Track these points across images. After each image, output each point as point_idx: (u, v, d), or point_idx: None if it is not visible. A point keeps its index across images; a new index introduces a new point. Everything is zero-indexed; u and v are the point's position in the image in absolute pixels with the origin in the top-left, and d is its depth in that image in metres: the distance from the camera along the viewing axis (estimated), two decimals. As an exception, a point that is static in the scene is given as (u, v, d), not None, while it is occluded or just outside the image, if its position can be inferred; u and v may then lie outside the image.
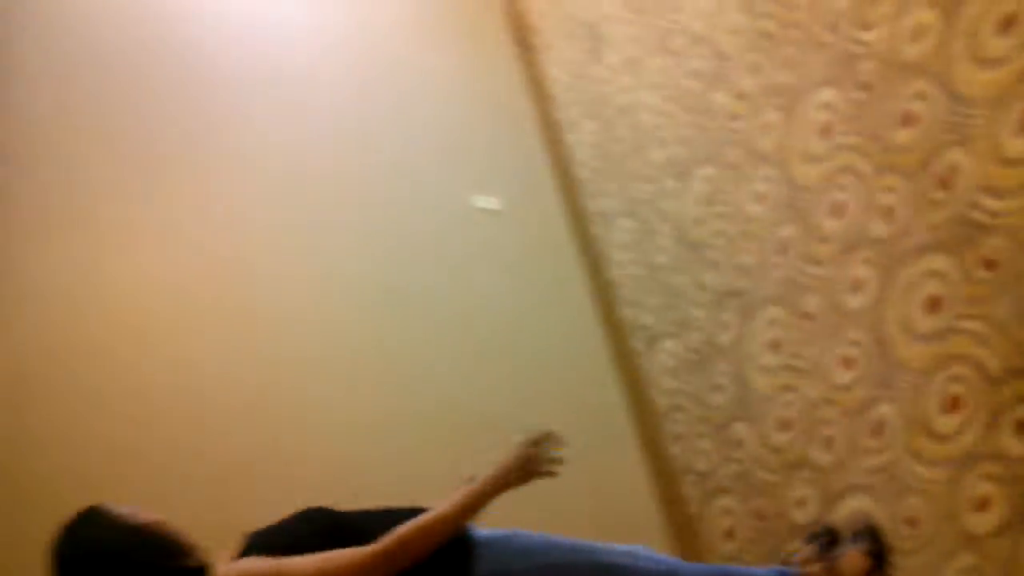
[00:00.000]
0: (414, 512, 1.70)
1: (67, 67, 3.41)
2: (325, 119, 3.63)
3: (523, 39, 4.36)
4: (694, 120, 2.84)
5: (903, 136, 2.11)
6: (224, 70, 3.61)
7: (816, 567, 2.10)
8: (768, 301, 2.49)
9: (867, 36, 2.16)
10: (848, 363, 2.24)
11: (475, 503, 1.68)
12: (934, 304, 2.05)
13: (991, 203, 1.90)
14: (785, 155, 2.43)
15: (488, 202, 3.51)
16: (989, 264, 1.91)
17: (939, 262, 2.02)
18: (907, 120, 2.09)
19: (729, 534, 2.58)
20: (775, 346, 2.45)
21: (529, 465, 1.71)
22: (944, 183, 2.01)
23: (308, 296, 2.98)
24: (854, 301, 2.24)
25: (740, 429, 2.54)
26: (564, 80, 3.84)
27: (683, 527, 2.71)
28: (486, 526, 1.83)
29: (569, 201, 3.62)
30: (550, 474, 1.74)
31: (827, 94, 2.28)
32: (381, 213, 3.33)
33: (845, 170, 2.26)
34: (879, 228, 2.16)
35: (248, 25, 3.89)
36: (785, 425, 2.39)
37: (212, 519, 2.00)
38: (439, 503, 1.68)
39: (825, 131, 2.30)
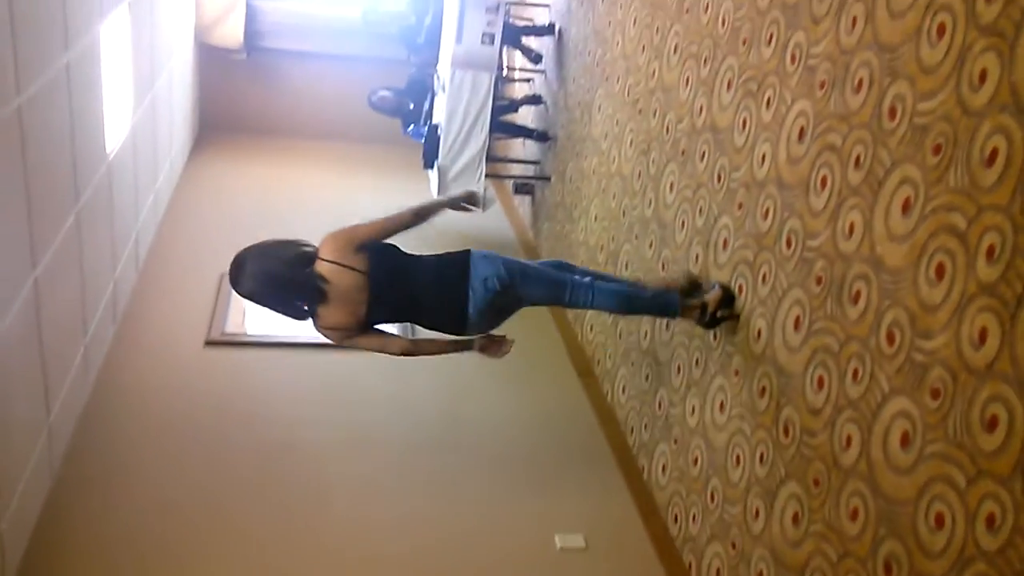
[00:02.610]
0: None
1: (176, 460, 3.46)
2: (407, 469, 3.58)
3: (585, 369, 4.37)
4: (769, 436, 2.70)
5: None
6: (313, 441, 3.65)
7: (691, 302, 3.08)
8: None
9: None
10: None
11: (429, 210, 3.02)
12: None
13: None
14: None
15: (571, 540, 3.30)
16: None
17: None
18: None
19: None
20: None
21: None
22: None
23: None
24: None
25: None
26: (631, 405, 3.77)
27: None
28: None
29: (654, 530, 3.39)
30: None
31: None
32: (465, 555, 3.15)
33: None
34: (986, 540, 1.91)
35: (335, 399, 4.00)
36: None
37: None
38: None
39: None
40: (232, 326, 4.43)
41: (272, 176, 6.36)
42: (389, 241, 2.95)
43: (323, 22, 6.64)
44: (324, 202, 6.01)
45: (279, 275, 2.75)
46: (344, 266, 2.78)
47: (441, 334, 3.06)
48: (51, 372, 3.12)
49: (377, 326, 2.94)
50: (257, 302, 2.83)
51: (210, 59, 6.71)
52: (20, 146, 2.67)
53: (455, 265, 2.93)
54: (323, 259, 2.78)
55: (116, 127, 4.00)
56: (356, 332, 2.89)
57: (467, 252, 2.96)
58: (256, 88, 6.91)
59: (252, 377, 4.08)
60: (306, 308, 2.82)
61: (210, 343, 4.26)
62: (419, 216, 2.94)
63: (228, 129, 6.92)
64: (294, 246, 2.81)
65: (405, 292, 2.89)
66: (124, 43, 4.07)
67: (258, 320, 4.58)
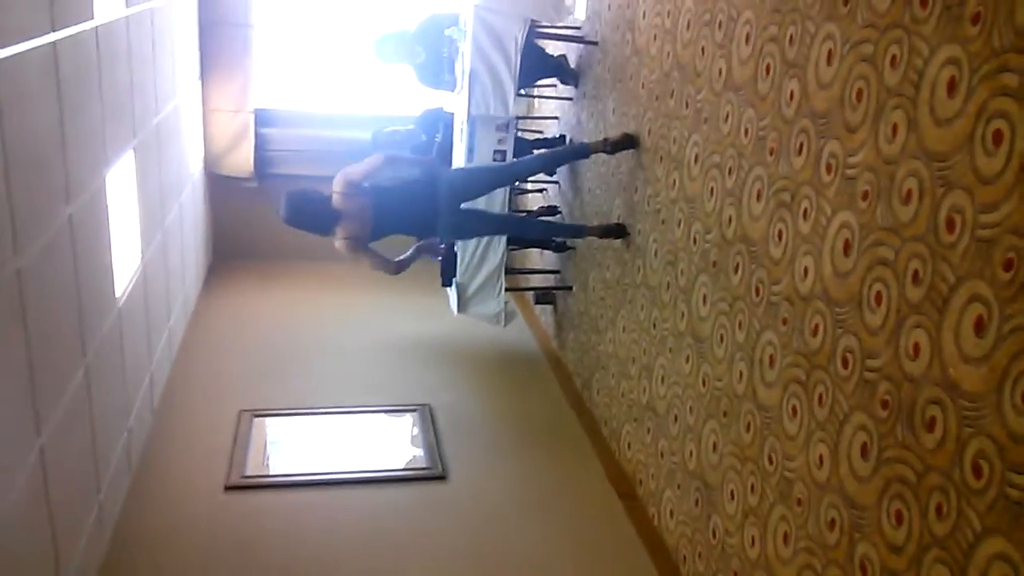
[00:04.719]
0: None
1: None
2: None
3: (627, 490, 4.13)
4: (844, 574, 2.45)
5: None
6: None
7: (595, 143, 4.36)
8: None
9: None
10: None
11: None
12: None
13: None
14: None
15: None
16: None
17: None
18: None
19: None
20: None
21: None
22: None
23: None
24: None
25: None
26: (681, 531, 3.52)
27: None
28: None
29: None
30: None
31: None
32: None
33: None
34: None
35: (366, 540, 3.76)
36: None
37: None
38: None
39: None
40: (253, 467, 4.23)
41: (289, 302, 6.26)
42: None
43: (333, 146, 6.64)
44: (344, 325, 5.88)
45: (309, 205, 4.16)
46: (349, 195, 4.16)
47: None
48: (62, 540, 2.93)
49: (378, 243, 4.31)
50: (296, 226, 4.22)
51: (221, 188, 6.70)
52: (20, 310, 2.55)
53: (429, 196, 4.33)
54: (335, 192, 4.16)
55: (125, 271, 3.91)
56: (363, 244, 4.23)
57: (436, 183, 4.32)
58: (269, 214, 6.85)
59: (276, 522, 3.85)
60: (328, 226, 4.18)
61: (230, 487, 4.06)
62: (390, 164, 4.27)
63: (242, 256, 6.87)
64: (317, 191, 4.21)
65: (397, 210, 4.28)
66: (130, 186, 4.01)
67: (281, 458, 4.38)
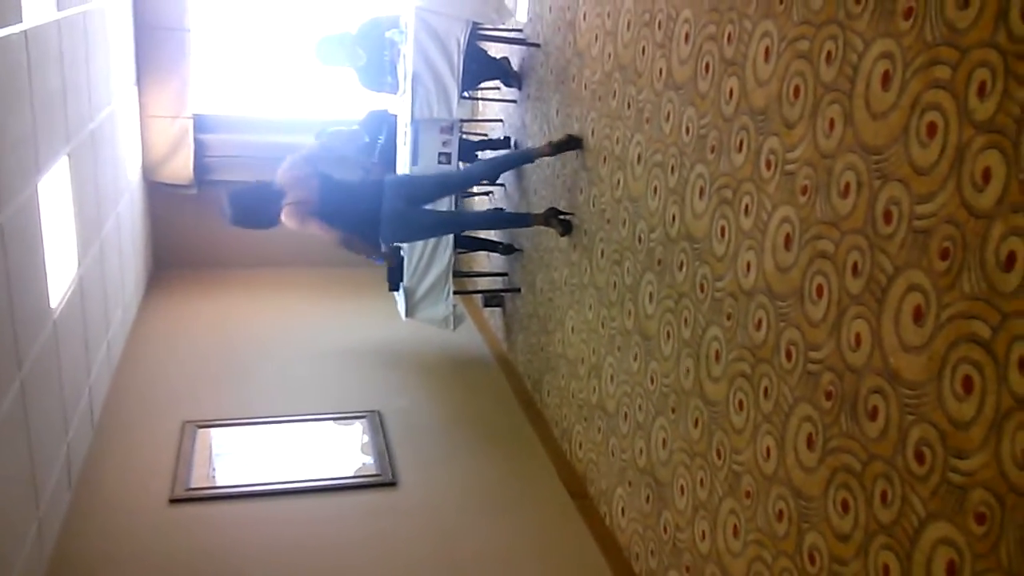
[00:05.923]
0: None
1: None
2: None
3: (578, 490, 4.13)
4: (794, 564, 2.48)
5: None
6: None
7: (542, 148, 4.25)
8: None
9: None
10: None
11: None
12: None
13: None
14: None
15: None
16: None
17: None
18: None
19: None
20: None
21: None
22: None
23: None
24: None
25: None
26: (633, 528, 3.53)
27: None
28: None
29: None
30: None
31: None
32: None
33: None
34: None
35: (317, 550, 3.69)
36: None
37: None
38: None
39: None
40: (198, 479, 4.13)
41: (233, 310, 6.15)
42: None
43: (273, 151, 6.52)
44: (290, 332, 5.79)
45: (251, 198, 4.19)
46: (295, 166, 4.27)
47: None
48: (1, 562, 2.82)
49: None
50: (245, 224, 4.22)
51: (160, 196, 6.56)
52: (-49, 325, 2.44)
53: (374, 197, 4.28)
54: (280, 170, 4.26)
55: (61, 282, 3.79)
56: (310, 210, 4.16)
57: (382, 187, 4.30)
58: (209, 221, 6.73)
59: (224, 535, 3.76)
60: (276, 211, 4.15)
61: (175, 500, 3.96)
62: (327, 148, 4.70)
63: (183, 265, 6.73)
64: (255, 182, 4.27)
65: (343, 204, 4.25)
66: (65, 194, 3.89)
67: (228, 469, 4.29)
